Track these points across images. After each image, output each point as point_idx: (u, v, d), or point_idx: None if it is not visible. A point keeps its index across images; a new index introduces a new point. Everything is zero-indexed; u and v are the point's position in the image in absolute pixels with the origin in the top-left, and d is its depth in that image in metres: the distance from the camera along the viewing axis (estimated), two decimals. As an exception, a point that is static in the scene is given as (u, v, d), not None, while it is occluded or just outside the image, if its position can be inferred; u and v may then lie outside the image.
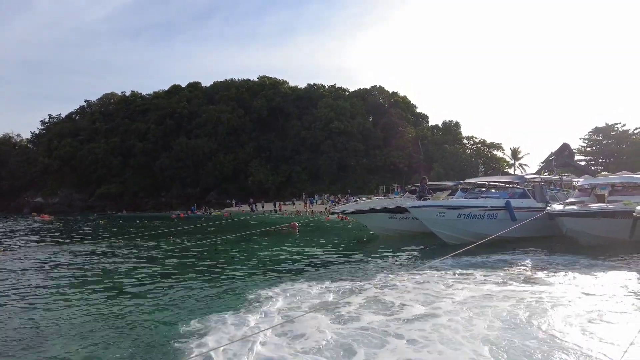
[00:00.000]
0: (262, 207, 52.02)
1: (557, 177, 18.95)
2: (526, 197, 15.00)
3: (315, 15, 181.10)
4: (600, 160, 61.36)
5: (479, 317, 5.90)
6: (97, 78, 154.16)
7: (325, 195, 57.62)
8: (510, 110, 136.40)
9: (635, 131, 59.56)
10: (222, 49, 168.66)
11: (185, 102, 76.22)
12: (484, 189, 16.02)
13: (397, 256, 12.52)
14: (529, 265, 10.14)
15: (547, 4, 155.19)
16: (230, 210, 52.17)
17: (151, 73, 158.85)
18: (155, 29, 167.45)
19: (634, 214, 11.65)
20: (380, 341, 5.07)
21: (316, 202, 53.33)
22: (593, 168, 56.05)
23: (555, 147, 57.94)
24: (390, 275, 9.15)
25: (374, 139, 70.05)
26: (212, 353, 4.65)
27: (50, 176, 74.16)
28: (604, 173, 29.11)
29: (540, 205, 14.52)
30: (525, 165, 67.01)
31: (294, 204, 51.80)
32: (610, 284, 7.91)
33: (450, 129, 73.59)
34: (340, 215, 27.64)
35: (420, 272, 9.16)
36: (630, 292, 7.38)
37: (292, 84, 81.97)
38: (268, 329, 5.30)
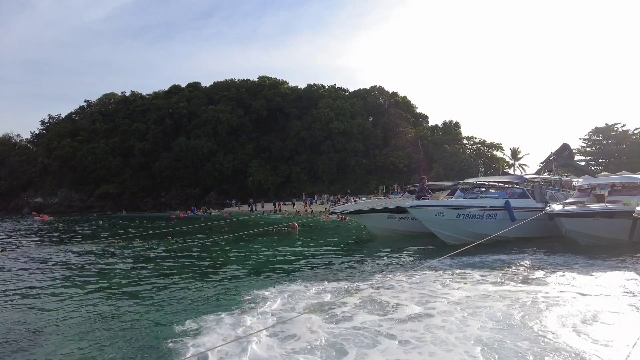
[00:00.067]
0: (262, 207, 51.97)
1: (557, 177, 18.93)
2: (525, 197, 14.98)
3: (315, 15, 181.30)
4: (600, 160, 61.36)
5: (473, 318, 5.88)
6: (97, 78, 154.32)
7: (325, 196, 57.56)
8: (510, 110, 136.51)
9: (635, 131, 59.57)
10: (222, 49, 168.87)
11: (185, 102, 76.09)
12: (483, 189, 15.99)
13: (396, 256, 12.49)
14: (527, 265, 10.11)
15: (547, 4, 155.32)
16: (229, 211, 52.14)
17: (151, 73, 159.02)
18: (155, 29, 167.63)
19: (633, 214, 11.61)
20: (372, 341, 5.06)
21: (316, 202, 53.28)
22: (593, 168, 56.06)
23: (555, 147, 57.92)
24: (388, 276, 9.12)
25: (373, 139, 70.00)
26: (205, 354, 4.62)
27: (50, 176, 74.05)
28: (603, 173, 29.12)
29: (539, 205, 14.50)
30: (525, 165, 67.08)
31: (293, 204, 51.74)
32: (607, 285, 7.89)
33: (450, 129, 73.54)
34: (340, 216, 27.63)
35: (418, 272, 9.13)
36: (628, 292, 7.34)
37: (292, 84, 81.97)
38: (262, 329, 5.29)
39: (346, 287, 7.97)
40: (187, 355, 4.68)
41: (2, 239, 22.19)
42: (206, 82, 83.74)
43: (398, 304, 6.58)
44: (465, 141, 72.95)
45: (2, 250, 16.08)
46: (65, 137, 74.72)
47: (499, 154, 69.54)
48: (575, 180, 19.80)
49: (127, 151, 73.41)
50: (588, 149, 62.84)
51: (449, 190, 19.68)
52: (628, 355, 4.44)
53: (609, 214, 12.53)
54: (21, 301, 7.97)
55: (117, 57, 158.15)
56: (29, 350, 5.37)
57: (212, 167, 68.71)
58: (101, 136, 74.72)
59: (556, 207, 13.47)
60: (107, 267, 11.80)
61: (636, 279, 8.29)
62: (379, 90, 79.70)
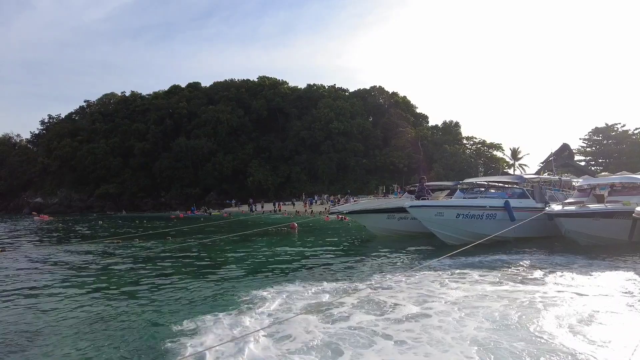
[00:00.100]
0: (262, 207, 51.96)
1: (557, 177, 18.91)
2: (525, 197, 14.96)
3: (315, 15, 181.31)
4: (600, 160, 61.36)
5: (470, 318, 5.88)
6: (97, 78, 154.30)
7: (325, 196, 57.54)
8: (510, 110, 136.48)
9: (635, 131, 59.56)
10: (222, 49, 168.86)
11: (185, 102, 76.08)
12: (482, 189, 15.98)
13: (395, 256, 12.47)
14: (526, 265, 10.10)
15: (548, 4, 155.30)
16: (229, 211, 52.14)
17: (151, 73, 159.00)
18: (155, 29, 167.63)
19: (633, 214, 11.60)
20: (368, 341, 5.05)
21: (315, 202, 53.26)
22: (593, 168, 56.03)
23: (555, 147, 57.84)
24: (387, 276, 9.11)
25: (373, 139, 69.99)
26: (202, 354, 4.62)
27: (50, 176, 74.05)
28: (603, 173, 29.12)
29: (539, 205, 14.48)
30: (525, 165, 67.09)
31: (293, 204, 51.72)
32: (606, 285, 7.87)
33: (450, 129, 73.53)
34: (340, 216, 27.61)
35: (417, 272, 9.12)
36: (626, 292, 7.33)
37: (292, 84, 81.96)
38: (259, 330, 5.28)
39: (344, 287, 7.95)
40: (184, 355, 4.66)
41: (1, 239, 22.16)
42: (206, 82, 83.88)
43: (396, 304, 6.57)
44: (465, 141, 72.95)
45: (1, 251, 16.06)
46: (65, 137, 74.72)
47: (499, 154, 69.60)
48: (575, 180, 19.79)
49: (127, 151, 73.41)
50: (588, 149, 62.85)
51: (449, 190, 19.67)
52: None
53: (608, 214, 12.52)
54: (19, 301, 7.95)
55: (117, 57, 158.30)
56: (27, 350, 5.35)
57: (212, 167, 68.70)
58: (101, 136, 74.71)
59: (556, 207, 13.46)
60: (106, 267, 11.79)
61: (635, 280, 8.27)
62: (379, 90, 79.69)
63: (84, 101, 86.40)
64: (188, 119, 74.14)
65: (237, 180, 68.50)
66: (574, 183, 18.68)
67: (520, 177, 17.37)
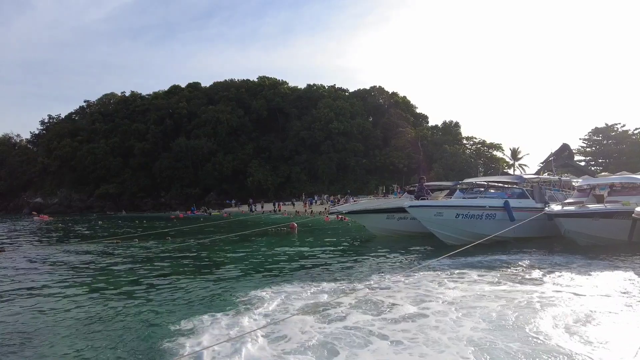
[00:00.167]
0: (262, 207, 51.93)
1: (556, 177, 18.89)
2: (525, 197, 14.94)
3: (315, 15, 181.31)
4: (600, 160, 61.33)
5: (467, 318, 5.87)
6: (96, 78, 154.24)
7: (325, 196, 57.51)
8: (510, 110, 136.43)
9: (635, 131, 59.55)
10: (222, 49, 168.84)
11: (185, 103, 76.08)
12: (482, 189, 15.96)
13: (394, 256, 12.46)
14: (525, 265, 10.09)
15: (548, 4, 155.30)
16: (229, 211, 52.13)
17: (151, 73, 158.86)
18: (155, 29, 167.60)
19: (633, 214, 11.58)
20: (364, 341, 5.05)
21: (315, 202, 53.24)
22: (593, 168, 55.96)
23: (555, 147, 57.74)
24: (385, 276, 9.09)
25: (373, 139, 69.98)
26: (198, 354, 4.61)
27: (50, 176, 74.05)
28: (603, 173, 29.09)
29: (538, 205, 14.46)
30: (525, 165, 67.04)
31: (293, 205, 51.69)
32: (604, 285, 7.86)
33: (450, 129, 73.51)
34: (340, 216, 27.59)
35: (416, 273, 9.10)
36: (624, 293, 7.31)
37: (292, 84, 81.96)
38: (256, 330, 5.26)
39: (343, 287, 7.94)
40: (181, 355, 4.66)
41: (1, 239, 22.15)
42: (206, 83, 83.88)
43: (393, 304, 6.56)
44: (465, 141, 72.93)
45: (1, 251, 16.05)
46: (65, 137, 74.73)
47: (498, 154, 69.57)
48: (575, 180, 19.77)
49: (127, 151, 73.41)
50: (588, 149, 62.82)
51: (448, 190, 19.67)
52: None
53: (608, 214, 12.51)
54: (18, 301, 7.94)
55: (117, 57, 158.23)
56: (24, 350, 5.34)
57: (212, 167, 68.70)
58: (101, 136, 74.72)
59: (555, 207, 13.45)
60: (105, 267, 11.78)
61: (635, 280, 8.26)
62: (379, 91, 79.69)
63: (84, 101, 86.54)
64: (188, 119, 74.14)
65: (237, 180, 68.50)
66: (573, 183, 18.66)
67: (519, 177, 17.35)
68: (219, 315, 6.25)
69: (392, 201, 21.93)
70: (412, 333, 5.30)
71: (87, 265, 12.13)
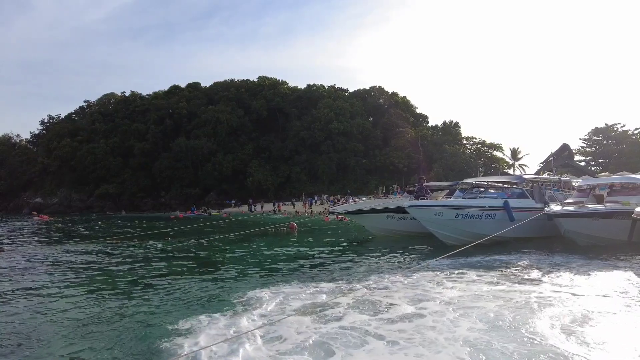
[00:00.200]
0: (262, 207, 51.91)
1: (556, 177, 18.87)
2: (524, 197, 14.91)
3: (315, 15, 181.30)
4: (600, 160, 61.33)
5: (464, 318, 5.86)
6: (96, 78, 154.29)
7: (325, 196, 57.50)
8: (510, 110, 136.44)
9: (635, 131, 59.55)
10: (222, 49, 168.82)
11: (185, 103, 76.09)
12: (482, 189, 15.93)
13: (393, 256, 12.44)
14: (525, 265, 10.07)
15: (548, 4, 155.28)
16: (229, 211, 52.12)
17: (151, 73, 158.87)
18: (155, 30, 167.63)
19: (632, 215, 11.56)
20: (360, 341, 5.04)
21: (315, 202, 53.23)
22: (593, 168, 55.94)
23: (555, 147, 57.64)
24: (384, 276, 9.07)
25: (373, 140, 69.98)
26: (194, 354, 4.60)
27: (50, 176, 74.06)
28: (603, 173, 29.04)
29: (538, 205, 14.43)
30: (525, 165, 67.05)
31: (293, 205, 51.68)
32: (602, 285, 7.83)
33: (450, 130, 73.52)
34: (339, 216, 27.56)
35: (415, 273, 9.08)
36: (623, 293, 7.28)
37: (292, 84, 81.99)
38: (252, 330, 5.26)
39: (341, 287, 7.92)
40: (178, 355, 4.65)
41: (0, 239, 22.13)
42: (206, 83, 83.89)
43: (391, 304, 6.55)
44: (465, 141, 72.95)
45: (0, 251, 16.03)
46: (65, 137, 74.75)
47: (498, 154, 69.59)
48: (574, 180, 19.74)
49: (126, 151, 73.42)
50: (588, 149, 62.82)
51: (448, 190, 19.64)
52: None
53: (607, 214, 12.48)
54: (15, 302, 7.92)
55: (117, 57, 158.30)
56: (22, 351, 5.32)
57: (211, 167, 68.70)
58: (101, 136, 74.74)
59: (555, 207, 13.42)
60: (104, 267, 11.76)
61: (633, 280, 8.23)
62: (379, 91, 79.69)
63: (84, 101, 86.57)
64: (188, 119, 74.15)
65: (237, 180, 68.49)
66: (573, 183, 18.63)
67: (519, 177, 17.31)
68: (216, 315, 6.24)
69: (391, 201, 21.91)
70: (409, 333, 5.29)
71: (86, 265, 12.11)
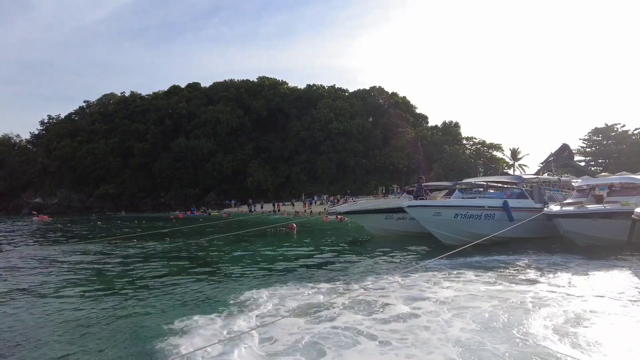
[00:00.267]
0: (261, 207, 51.92)
1: (556, 177, 18.83)
2: (524, 197, 14.88)
3: (315, 15, 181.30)
4: (600, 160, 61.32)
5: (458, 318, 5.84)
6: (96, 78, 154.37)
7: (325, 196, 57.50)
8: (510, 110, 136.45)
9: (635, 131, 59.53)
10: (222, 49, 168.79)
11: (185, 103, 76.11)
12: (481, 189, 15.90)
13: (392, 257, 12.41)
14: (523, 265, 10.04)
15: (548, 4, 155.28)
16: (229, 211, 52.12)
17: (151, 73, 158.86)
18: (155, 30, 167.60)
19: (632, 215, 11.53)
20: (352, 341, 5.02)
21: (315, 202, 53.23)
22: (593, 169, 55.90)
23: (554, 147, 57.52)
24: (382, 276, 9.04)
25: (373, 140, 69.97)
26: (188, 355, 4.58)
27: (49, 176, 74.07)
28: (603, 174, 28.98)
29: (538, 205, 14.40)
30: (525, 165, 67.04)
31: (293, 205, 51.68)
32: (599, 286, 7.80)
33: (450, 130, 73.54)
34: (339, 216, 27.53)
35: (413, 273, 9.06)
36: (620, 293, 7.24)
37: (292, 84, 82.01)
38: (247, 331, 5.23)
39: (338, 288, 7.90)
40: (173, 356, 4.62)
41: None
42: (206, 83, 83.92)
43: (386, 304, 6.53)
44: (464, 141, 72.97)
45: (-2, 251, 16.00)
46: (65, 137, 74.79)
47: (498, 154, 69.59)
48: (574, 180, 19.71)
49: (126, 151, 73.43)
50: (588, 149, 62.81)
51: (447, 191, 19.61)
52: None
53: (607, 214, 12.46)
54: (11, 303, 7.87)
55: (117, 57, 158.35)
56: (16, 353, 5.28)
57: (211, 167, 68.71)
58: (101, 136, 74.76)
59: (554, 207, 13.39)
60: (102, 267, 11.73)
61: (631, 281, 8.20)
62: (379, 91, 79.70)
63: (84, 101, 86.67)
64: (188, 119, 74.15)
65: (237, 180, 68.49)
66: (573, 183, 18.60)
67: (519, 178, 17.27)
68: (212, 316, 6.21)
69: (390, 201, 21.88)
70: (401, 333, 5.27)
71: (84, 266, 12.07)
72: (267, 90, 76.96)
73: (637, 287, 7.65)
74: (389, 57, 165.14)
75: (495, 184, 16.13)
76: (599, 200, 14.18)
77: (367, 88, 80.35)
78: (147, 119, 75.67)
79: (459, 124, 74.52)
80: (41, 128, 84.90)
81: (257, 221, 32.19)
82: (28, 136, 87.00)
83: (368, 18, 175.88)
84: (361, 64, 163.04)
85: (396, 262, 11.45)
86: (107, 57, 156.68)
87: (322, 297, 7.22)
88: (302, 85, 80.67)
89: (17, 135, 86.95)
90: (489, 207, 14.06)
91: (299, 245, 16.48)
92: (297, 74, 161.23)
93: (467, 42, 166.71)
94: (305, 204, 50.37)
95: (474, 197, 15.15)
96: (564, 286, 7.77)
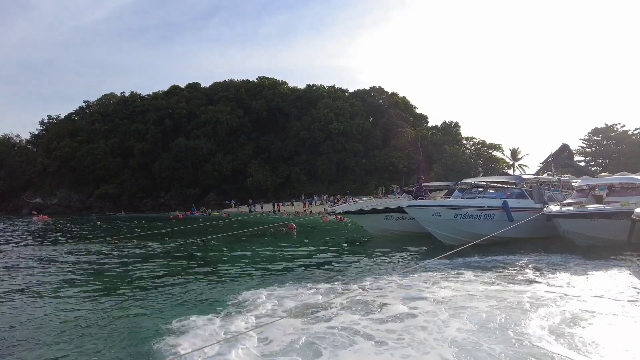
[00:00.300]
0: (261, 207, 51.94)
1: (556, 177, 18.81)
2: (524, 197, 14.86)
3: (315, 15, 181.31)
4: (600, 160, 61.30)
5: (455, 318, 5.83)
6: (96, 78, 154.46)
7: (324, 196, 57.51)
8: (510, 111, 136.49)
9: (635, 131, 59.52)
10: (222, 49, 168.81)
11: (185, 103, 76.14)
12: (481, 189, 15.88)
13: (391, 257, 12.39)
14: (522, 265, 10.03)
15: (547, 4, 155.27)
16: (229, 211, 52.12)
17: (151, 73, 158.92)
18: (155, 30, 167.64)
19: (632, 216, 11.51)
20: (348, 342, 5.02)
21: (315, 203, 53.24)
22: (592, 169, 55.88)
23: (554, 147, 57.48)
24: (381, 276, 9.03)
25: (373, 140, 69.98)
26: (185, 355, 4.57)
27: (49, 177, 74.10)
28: (603, 174, 28.97)
29: (537, 205, 14.39)
30: (525, 166, 67.07)
31: (292, 205, 51.69)
32: (598, 286, 7.77)
33: (450, 130, 73.55)
34: (339, 216, 27.52)
35: (412, 273, 9.04)
36: (618, 293, 7.22)
37: (292, 84, 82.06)
38: (244, 332, 5.22)
39: (337, 288, 7.88)
40: (170, 357, 4.61)
41: (-1, 239, 22.08)
42: (206, 83, 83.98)
43: (384, 304, 6.52)
44: (464, 142, 73.01)
45: (-3, 252, 15.98)
46: (65, 137, 74.82)
47: (498, 154, 69.61)
48: (574, 180, 19.69)
49: (126, 152, 73.44)
50: (588, 149, 62.79)
51: (447, 191, 19.60)
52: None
53: (606, 214, 12.44)
54: (8, 303, 7.85)
55: (117, 57, 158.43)
56: (13, 353, 5.27)
57: (211, 167, 68.71)
58: (100, 137, 74.79)
59: (554, 207, 13.37)
60: (100, 267, 11.72)
61: (630, 281, 8.17)
62: (379, 91, 79.72)
63: (84, 101, 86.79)
64: (187, 119, 74.17)
65: (237, 180, 68.50)
66: (573, 183, 18.58)
67: (518, 178, 17.24)
68: (210, 316, 6.19)
69: (390, 201, 21.87)
70: (398, 333, 5.26)
71: (83, 266, 12.06)
72: (267, 90, 76.98)
73: (636, 288, 7.63)
74: (388, 57, 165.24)
75: (495, 184, 16.11)
76: (598, 200, 14.17)
77: (367, 88, 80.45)
78: (147, 119, 75.69)
79: (459, 124, 74.70)
80: (41, 128, 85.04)
81: (256, 221, 32.16)
82: (28, 136, 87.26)
83: (368, 18, 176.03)
84: (361, 64, 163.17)
85: (395, 262, 11.43)
86: (107, 57, 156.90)
87: (320, 297, 7.20)
88: (302, 85, 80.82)
89: (17, 135, 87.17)
90: (488, 207, 14.04)
91: (299, 245, 16.46)
92: (297, 74, 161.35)
93: (467, 42, 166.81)
94: (305, 204, 50.37)
95: (474, 197, 15.13)
96: (562, 286, 7.74)
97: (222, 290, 8.23)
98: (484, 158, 69.03)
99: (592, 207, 12.90)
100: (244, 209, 53.96)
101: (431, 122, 79.79)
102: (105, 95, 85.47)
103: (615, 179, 16.15)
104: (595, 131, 62.00)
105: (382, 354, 4.65)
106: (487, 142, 70.64)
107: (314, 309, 6.33)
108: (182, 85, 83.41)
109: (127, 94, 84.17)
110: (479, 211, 13.96)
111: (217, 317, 6.18)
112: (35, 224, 37.74)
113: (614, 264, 9.95)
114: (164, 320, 6.18)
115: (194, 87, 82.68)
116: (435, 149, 66.53)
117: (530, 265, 9.93)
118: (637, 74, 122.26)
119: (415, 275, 8.77)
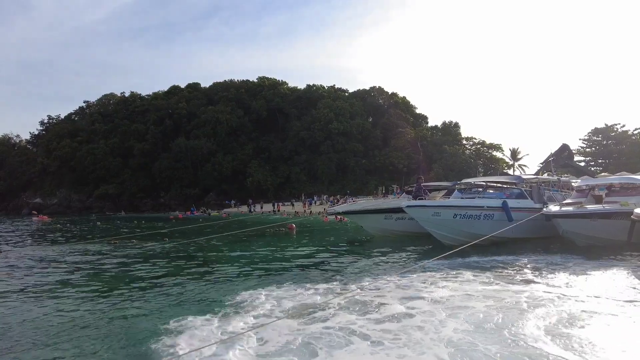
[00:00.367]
0: (261, 208, 51.93)
1: (556, 177, 18.79)
2: (523, 197, 14.84)
3: (315, 15, 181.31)
4: (600, 160, 61.29)
5: (452, 319, 5.82)
6: (96, 78, 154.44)
7: (324, 196, 57.50)
8: (510, 111, 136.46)
9: (635, 132, 59.50)
10: (222, 49, 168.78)
11: (185, 103, 76.13)
12: (480, 189, 15.87)
13: (391, 257, 12.39)
14: (521, 266, 10.02)
15: (547, 4, 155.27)
16: (228, 211, 52.10)
17: (151, 73, 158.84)
18: (155, 30, 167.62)
19: (632, 216, 11.50)
20: (345, 342, 5.01)
21: (315, 203, 53.23)
22: (592, 169, 55.85)
23: (554, 147, 57.43)
24: (380, 276, 9.02)
25: (373, 140, 69.98)
26: (183, 356, 4.56)
27: (49, 177, 74.10)
28: (603, 174, 28.95)
29: (537, 205, 14.37)
30: (525, 166, 67.04)
31: (292, 205, 51.69)
32: (596, 286, 7.76)
33: (450, 130, 73.54)
34: (339, 217, 27.51)
35: (411, 273, 9.04)
36: (616, 293, 7.20)
37: (292, 84, 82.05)
38: (242, 332, 5.21)
39: (335, 288, 7.87)
40: (168, 357, 4.61)
41: (-2, 239, 22.07)
42: (206, 83, 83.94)
43: (381, 304, 6.52)
44: (464, 142, 72.99)
45: (-3, 252, 15.97)
46: (65, 137, 74.83)
47: (498, 154, 69.58)
48: (574, 180, 19.67)
49: (126, 152, 73.44)
50: (588, 149, 62.77)
51: (446, 191, 19.59)
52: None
53: (606, 214, 12.43)
54: (7, 303, 7.85)
55: (117, 57, 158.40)
56: (9, 354, 5.26)
57: (211, 167, 68.71)
58: (100, 137, 74.78)
59: (553, 207, 13.36)
60: (99, 268, 11.71)
61: (629, 281, 8.17)
62: (379, 91, 79.70)
63: (84, 102, 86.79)
64: (187, 119, 74.17)
65: (237, 180, 68.48)
66: (573, 183, 18.56)
67: (518, 178, 17.21)
68: (208, 316, 6.19)
69: (390, 201, 21.86)
70: (394, 333, 5.26)
71: (82, 266, 12.06)
72: (267, 91, 76.97)
73: (634, 288, 7.62)
74: (388, 57, 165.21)
75: (495, 184, 16.10)
76: (598, 200, 14.15)
77: (367, 88, 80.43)
78: (147, 119, 75.68)
79: (459, 124, 74.67)
80: (41, 128, 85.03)
81: (256, 221, 32.15)
82: (28, 136, 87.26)
83: (368, 18, 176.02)
84: (361, 64, 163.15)
85: (395, 262, 11.43)
86: (107, 57, 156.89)
87: (319, 297, 7.19)
88: (302, 86, 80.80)
89: (17, 136, 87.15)
90: (488, 207, 14.03)
91: (298, 245, 16.45)
92: (297, 74, 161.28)
93: (467, 42, 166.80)
94: (305, 204, 50.35)
95: (473, 197, 15.11)
96: (560, 286, 7.73)
97: (220, 291, 8.23)
98: (484, 158, 69.01)
99: (591, 207, 12.89)
100: (244, 209, 53.96)
101: (431, 122, 79.90)
102: (105, 96, 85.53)
103: (615, 179, 16.14)
104: (595, 131, 61.99)
105: (377, 354, 4.65)
106: (487, 142, 70.69)
107: (311, 310, 6.32)
108: (182, 85, 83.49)
109: (127, 94, 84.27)
110: (478, 211, 13.95)
111: (215, 317, 6.17)
112: (35, 224, 37.74)
113: (613, 264, 9.93)
114: (162, 320, 6.17)
115: (194, 87, 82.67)
116: (435, 149, 66.52)
117: (529, 266, 9.92)
118: (637, 74, 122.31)
119: (414, 276, 8.76)
